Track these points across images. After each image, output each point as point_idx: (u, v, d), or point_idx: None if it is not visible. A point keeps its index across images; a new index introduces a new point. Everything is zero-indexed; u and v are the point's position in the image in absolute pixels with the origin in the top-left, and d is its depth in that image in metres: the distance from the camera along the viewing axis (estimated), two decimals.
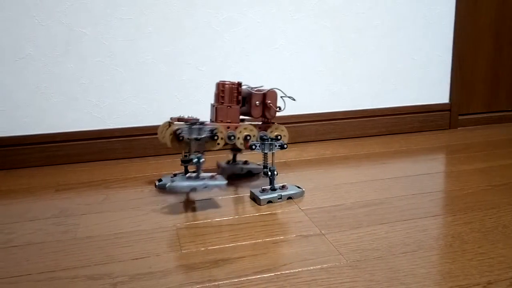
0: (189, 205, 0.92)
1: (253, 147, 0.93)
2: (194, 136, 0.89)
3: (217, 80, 1.26)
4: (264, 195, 0.92)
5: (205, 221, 0.86)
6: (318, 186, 1.01)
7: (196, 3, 1.20)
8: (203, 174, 0.89)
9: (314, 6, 1.28)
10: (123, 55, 1.18)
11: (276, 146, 0.94)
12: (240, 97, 0.97)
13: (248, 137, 0.96)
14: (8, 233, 0.82)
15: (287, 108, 1.33)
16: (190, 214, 0.88)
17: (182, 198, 0.96)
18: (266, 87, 0.99)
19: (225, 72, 1.26)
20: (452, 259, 0.70)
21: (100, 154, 1.21)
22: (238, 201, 0.94)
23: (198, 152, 0.90)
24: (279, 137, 1.00)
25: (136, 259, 0.73)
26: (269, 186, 0.94)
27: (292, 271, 0.69)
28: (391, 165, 1.14)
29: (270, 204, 0.92)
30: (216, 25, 1.22)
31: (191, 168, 0.97)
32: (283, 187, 0.95)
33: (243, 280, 0.67)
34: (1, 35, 1.10)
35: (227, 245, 0.76)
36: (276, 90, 0.97)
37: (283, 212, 0.89)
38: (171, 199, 0.95)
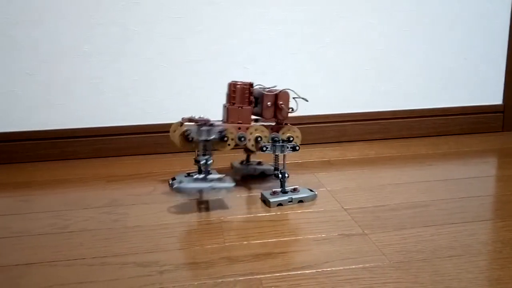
0: (233, 200, 0.94)
1: (264, 148, 0.92)
2: (203, 137, 0.88)
3: (262, 78, 1.27)
4: (275, 197, 0.91)
5: (248, 215, 0.87)
6: (361, 186, 1.01)
7: (245, 3, 1.22)
8: (211, 176, 0.88)
9: (361, 3, 1.27)
10: (173, 53, 1.22)
11: (288, 148, 0.93)
12: (252, 98, 0.95)
13: (259, 139, 0.94)
14: (65, 220, 0.87)
15: (330, 107, 1.32)
16: (233, 208, 0.90)
17: (226, 193, 0.98)
18: (280, 87, 0.97)
19: (270, 71, 1.27)
20: (501, 266, 0.68)
21: (148, 148, 1.26)
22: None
23: (207, 153, 0.89)
24: (290, 138, 0.97)
25: (182, 249, 0.75)
26: (280, 189, 0.93)
27: (333, 269, 0.69)
28: (439, 167, 1.11)
29: (312, 202, 0.93)
30: (263, 24, 1.24)
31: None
32: (294, 190, 0.93)
33: (285, 275, 0.67)
34: (62, 33, 1.16)
35: (269, 240, 0.78)
36: (288, 91, 0.94)
37: (325, 210, 0.89)
38: (214, 194, 0.98)
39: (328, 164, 1.16)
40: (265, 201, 0.92)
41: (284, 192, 0.93)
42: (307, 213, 0.87)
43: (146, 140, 1.25)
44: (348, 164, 1.15)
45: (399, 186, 1.00)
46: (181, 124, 0.96)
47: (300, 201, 0.92)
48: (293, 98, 0.96)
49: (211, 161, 0.88)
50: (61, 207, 0.92)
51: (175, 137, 0.94)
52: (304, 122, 1.31)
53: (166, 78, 1.23)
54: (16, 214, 0.90)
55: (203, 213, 0.89)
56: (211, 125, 0.89)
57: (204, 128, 0.88)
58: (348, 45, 1.29)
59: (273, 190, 0.93)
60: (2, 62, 1.16)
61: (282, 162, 0.94)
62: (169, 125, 1.02)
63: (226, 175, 0.91)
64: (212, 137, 0.88)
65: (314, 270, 0.68)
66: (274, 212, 0.88)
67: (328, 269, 0.69)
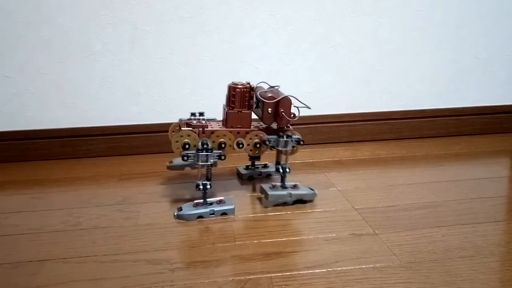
0: (244, 200, 0.95)
1: (267, 142, 0.90)
2: (201, 162, 0.85)
3: (273, 78, 1.27)
4: (273, 191, 0.90)
5: (259, 215, 0.87)
6: (372, 186, 1.00)
7: (256, 2, 1.22)
8: (211, 200, 0.88)
9: (373, 3, 1.26)
10: (183, 52, 1.23)
11: (292, 141, 0.90)
12: (252, 101, 0.92)
13: (258, 145, 0.92)
14: (77, 217, 0.88)
15: (341, 106, 1.32)
16: (244, 208, 0.91)
17: (235, 193, 0.98)
18: (282, 89, 0.92)
19: (281, 70, 1.27)
20: None
21: (160, 147, 1.27)
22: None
23: (206, 177, 0.88)
24: None
25: (193, 247, 0.76)
26: (280, 183, 0.92)
27: (344, 268, 0.69)
28: (450, 168, 1.11)
29: (322, 201, 0.93)
30: (273, 23, 1.24)
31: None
32: (294, 186, 0.92)
33: (295, 274, 0.68)
34: (73, 32, 1.18)
35: (279, 239, 0.78)
36: (290, 97, 0.90)
37: (336, 210, 0.89)
38: (224, 194, 0.98)
39: (339, 164, 1.15)
40: (264, 194, 0.91)
41: (284, 187, 0.92)
42: (318, 213, 0.88)
43: (157, 138, 1.26)
44: (359, 164, 1.15)
45: (410, 187, 0.99)
46: (179, 126, 0.94)
47: (300, 198, 0.91)
48: (295, 106, 0.92)
49: (209, 186, 0.87)
50: (74, 205, 0.94)
51: (172, 143, 0.90)
52: (315, 121, 1.31)
53: (177, 78, 1.24)
54: (30, 211, 0.91)
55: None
56: (209, 150, 0.86)
57: (202, 153, 0.85)
58: (359, 44, 1.29)
59: (273, 183, 0.92)
60: (16, 61, 1.18)
61: (285, 158, 0.93)
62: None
63: (226, 197, 0.90)
64: (211, 162, 0.86)
65: (325, 270, 0.68)
66: (284, 211, 0.89)
67: (339, 268, 0.69)
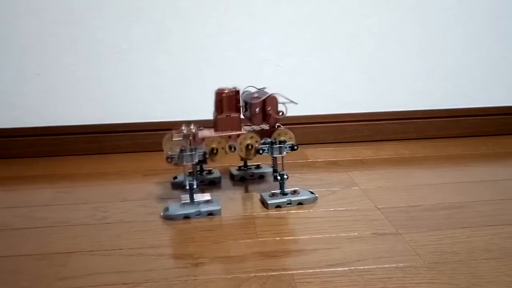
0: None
1: (261, 151, 0.90)
2: (186, 162, 0.86)
3: (295, 76, 1.27)
4: (273, 199, 0.90)
5: (281, 212, 0.88)
6: (395, 185, 0.99)
7: (280, 1, 1.22)
8: (198, 199, 0.88)
9: (397, 0, 1.25)
10: (207, 50, 1.24)
11: (286, 148, 0.90)
12: (239, 105, 0.92)
13: (250, 147, 0.91)
14: (103, 211, 0.90)
15: (364, 105, 1.31)
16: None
17: (258, 190, 0.99)
18: (268, 90, 0.93)
19: (304, 68, 1.27)
20: None
21: None
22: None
23: (192, 176, 0.88)
24: (284, 142, 0.92)
25: (216, 243, 0.77)
26: (279, 191, 0.92)
27: (366, 267, 0.69)
28: (476, 168, 1.09)
29: (345, 200, 0.92)
30: (297, 21, 1.24)
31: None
32: (294, 192, 0.92)
33: (317, 271, 0.68)
34: (101, 31, 1.20)
35: (301, 237, 0.78)
36: (276, 95, 0.90)
37: (358, 209, 0.88)
38: (246, 189, 0.99)
39: (362, 163, 1.15)
40: (263, 203, 0.91)
41: (284, 194, 0.91)
42: (340, 211, 0.87)
43: None
44: (382, 163, 1.14)
45: (434, 187, 0.98)
46: (171, 135, 0.92)
47: (300, 203, 0.90)
48: (281, 103, 0.92)
49: (195, 186, 0.86)
50: (100, 199, 0.96)
51: (165, 152, 0.89)
52: (338, 120, 1.31)
53: (201, 76, 1.26)
54: (58, 204, 0.94)
55: (237, 209, 0.90)
56: (194, 149, 0.86)
57: (186, 153, 0.85)
58: (383, 42, 1.28)
59: (272, 191, 0.92)
60: (45, 59, 1.21)
61: (281, 164, 0.92)
62: (204, 121, 1.05)
63: (213, 198, 0.90)
64: (196, 161, 0.86)
65: (347, 268, 0.68)
66: (306, 209, 0.89)
67: (361, 267, 0.69)
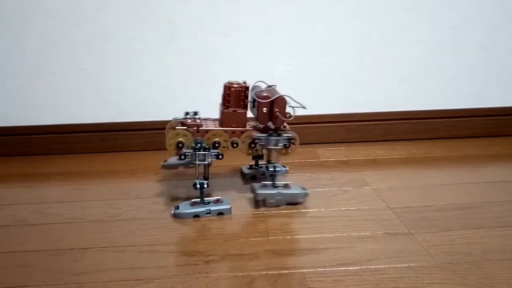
0: None
1: (257, 141, 0.89)
2: (199, 161, 0.85)
3: (306, 75, 1.27)
4: (263, 190, 0.89)
5: (292, 211, 0.88)
6: (407, 185, 0.99)
7: (291, 0, 1.22)
8: (208, 199, 0.88)
9: None
10: (218, 50, 1.24)
11: (283, 140, 0.89)
12: (247, 101, 0.91)
13: (253, 145, 0.90)
14: (116, 208, 0.91)
15: (376, 104, 1.31)
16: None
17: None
18: (278, 88, 0.91)
19: (315, 67, 1.27)
20: None
21: None
22: (323, 195, 0.95)
23: (204, 176, 0.87)
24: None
25: (227, 240, 0.77)
26: (271, 182, 0.91)
27: (377, 266, 0.68)
28: (489, 169, 1.08)
29: (357, 200, 0.92)
30: (309, 20, 1.24)
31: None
32: (286, 186, 0.91)
33: (328, 270, 0.68)
34: (114, 31, 1.22)
35: (312, 236, 0.78)
36: (285, 97, 0.88)
37: (370, 209, 0.88)
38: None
39: (374, 163, 1.14)
40: (253, 193, 0.91)
41: (275, 186, 0.91)
42: (352, 211, 0.87)
43: None
44: (395, 163, 1.14)
45: (446, 187, 0.97)
46: (174, 124, 0.93)
47: (290, 201, 0.90)
48: (289, 106, 0.90)
49: (206, 185, 0.86)
50: (113, 196, 0.97)
51: (167, 140, 0.90)
52: (349, 120, 1.31)
53: (212, 75, 1.26)
54: (72, 201, 0.95)
55: (248, 207, 0.90)
56: (206, 149, 0.86)
57: (201, 153, 0.85)
58: (396, 42, 1.27)
59: (263, 182, 0.91)
60: (58, 58, 1.23)
61: (276, 156, 0.92)
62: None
63: (222, 198, 0.90)
64: (209, 161, 0.86)
65: (358, 267, 0.68)
66: (317, 209, 0.89)
67: (372, 266, 0.68)
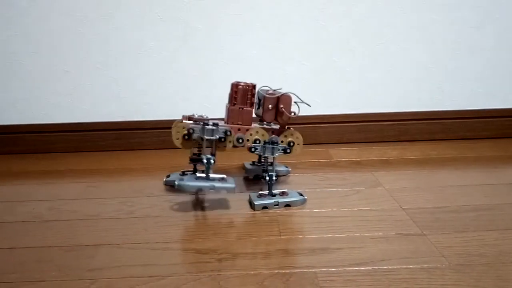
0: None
1: (253, 149, 0.90)
2: (207, 136, 0.87)
3: (319, 75, 1.27)
4: (260, 200, 0.89)
5: (304, 211, 0.88)
6: (421, 186, 0.98)
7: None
8: (213, 175, 0.88)
9: None
10: (232, 49, 1.25)
11: (279, 150, 0.90)
12: (253, 100, 0.92)
13: (258, 141, 0.91)
14: (130, 206, 0.92)
15: (390, 105, 1.30)
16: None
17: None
18: (284, 91, 0.92)
19: (328, 67, 1.27)
20: None
21: None
22: (336, 195, 0.95)
23: (211, 152, 0.88)
24: (291, 143, 0.93)
25: (239, 239, 0.78)
26: (267, 191, 0.91)
27: (390, 267, 0.68)
28: (505, 170, 1.06)
29: (369, 200, 0.92)
30: (322, 20, 1.24)
31: (200, 167, 0.95)
32: (283, 194, 0.91)
33: (340, 270, 0.68)
34: (128, 30, 1.23)
35: (324, 236, 0.78)
36: (291, 94, 0.89)
37: (382, 209, 0.88)
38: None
39: (387, 163, 1.14)
40: (251, 203, 0.91)
41: (273, 195, 0.91)
42: (364, 211, 0.87)
43: None
44: (408, 164, 1.13)
45: (461, 188, 0.96)
46: (181, 121, 0.94)
47: (287, 205, 0.90)
48: (295, 102, 0.92)
49: (213, 161, 0.87)
50: (127, 194, 0.98)
51: (173, 134, 0.92)
52: (362, 120, 1.30)
53: (225, 74, 1.27)
54: (87, 198, 0.97)
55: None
56: (215, 124, 0.87)
57: (209, 127, 0.87)
58: (410, 41, 1.26)
59: (260, 192, 0.91)
60: (74, 57, 1.24)
61: (272, 164, 0.92)
62: None
63: (228, 176, 0.90)
64: (217, 136, 0.87)
65: (370, 268, 0.68)
66: (330, 209, 0.89)
67: (385, 267, 0.68)
